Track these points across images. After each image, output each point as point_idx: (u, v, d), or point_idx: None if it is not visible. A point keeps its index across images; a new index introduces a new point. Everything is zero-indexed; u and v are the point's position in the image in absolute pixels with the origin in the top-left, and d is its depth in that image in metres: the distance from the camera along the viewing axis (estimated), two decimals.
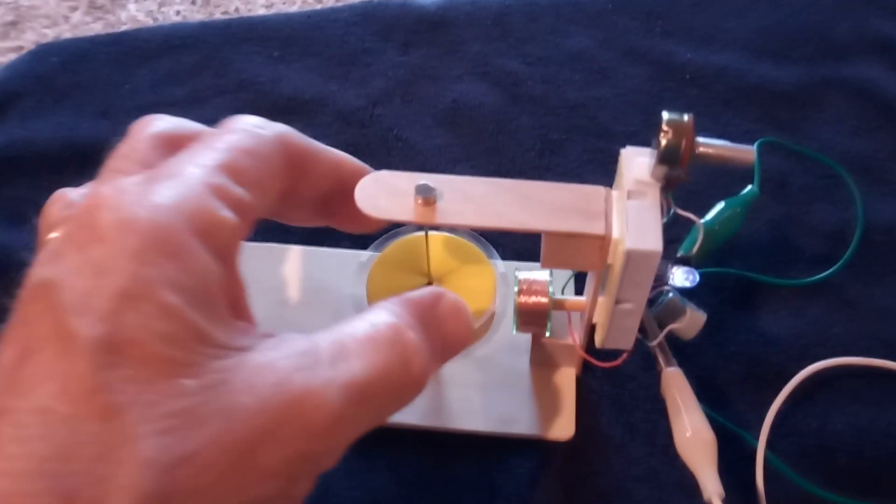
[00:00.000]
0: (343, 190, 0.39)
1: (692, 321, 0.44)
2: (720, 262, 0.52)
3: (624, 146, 0.41)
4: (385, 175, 0.39)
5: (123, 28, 1.52)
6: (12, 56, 1.50)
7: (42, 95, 0.62)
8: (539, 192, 0.39)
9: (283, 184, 0.36)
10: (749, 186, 0.52)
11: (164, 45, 0.65)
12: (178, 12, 1.54)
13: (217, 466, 0.27)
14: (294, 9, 1.53)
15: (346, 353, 0.31)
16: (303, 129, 0.59)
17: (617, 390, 0.48)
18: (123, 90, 0.62)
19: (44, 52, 0.65)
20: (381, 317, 0.33)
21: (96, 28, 1.52)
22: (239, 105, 0.61)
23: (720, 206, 0.51)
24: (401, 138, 0.59)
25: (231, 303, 0.30)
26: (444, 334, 0.35)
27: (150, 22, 1.52)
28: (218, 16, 1.53)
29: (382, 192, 0.39)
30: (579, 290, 0.49)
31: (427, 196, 0.38)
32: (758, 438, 0.45)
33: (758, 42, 0.64)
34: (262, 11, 1.52)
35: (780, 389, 0.47)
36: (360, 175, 0.39)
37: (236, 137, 0.34)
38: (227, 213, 0.31)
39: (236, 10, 1.53)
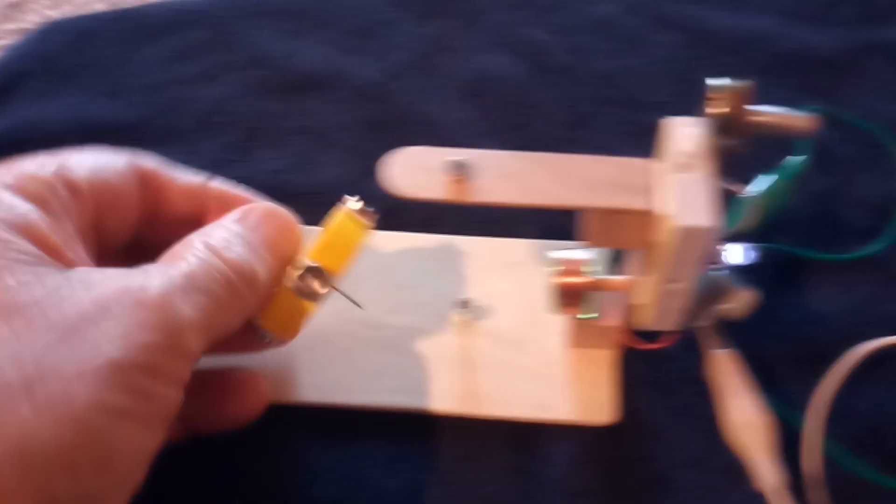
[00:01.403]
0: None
1: (742, 301, 0.42)
2: (761, 237, 0.49)
3: (656, 117, 0.39)
4: (413, 150, 0.37)
5: (129, 5, 1.49)
6: (16, 38, 1.47)
7: (48, 76, 0.60)
8: (578, 166, 0.37)
9: (135, 186, 0.39)
10: (789, 156, 0.49)
11: (173, 22, 0.63)
12: None
13: (44, 343, 0.29)
14: None
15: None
16: (320, 106, 0.58)
17: (658, 373, 0.45)
18: (131, 69, 0.60)
19: (49, 32, 0.63)
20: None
21: (100, 8, 1.49)
22: (251, 82, 0.59)
23: (769, 177, 0.48)
24: (422, 113, 0.57)
25: (56, 242, 0.33)
26: (263, 236, 0.38)
27: None
28: None
29: (411, 169, 0.37)
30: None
31: (461, 173, 0.36)
32: (806, 421, 0.43)
33: (794, 5, 0.62)
34: None
35: (828, 370, 0.45)
36: (228, 200, 0.41)
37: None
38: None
39: None
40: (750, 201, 0.46)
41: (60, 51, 0.61)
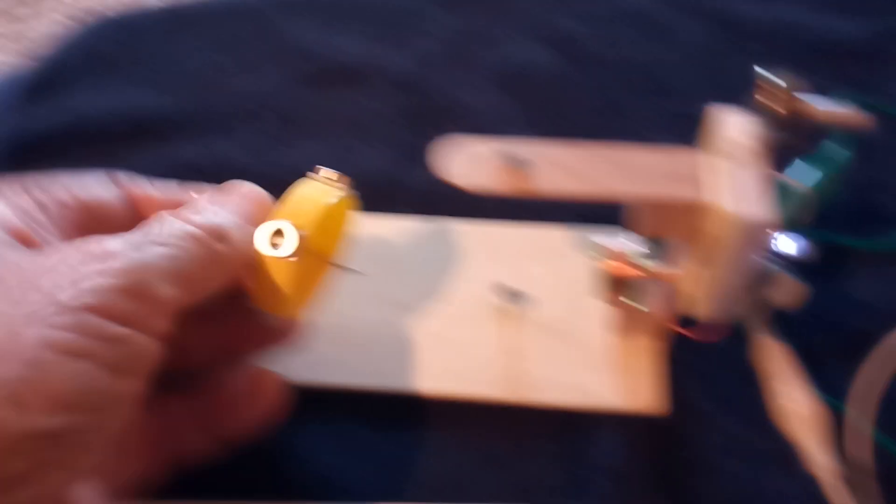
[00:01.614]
0: None
1: (792, 290, 0.42)
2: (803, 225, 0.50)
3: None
4: (466, 141, 0.38)
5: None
6: (39, 27, 1.48)
7: (96, 69, 0.61)
8: (630, 158, 0.37)
9: (121, 200, 0.40)
10: (827, 140, 0.50)
11: (214, 15, 0.64)
12: None
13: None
14: None
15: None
16: (357, 97, 0.58)
17: (703, 360, 0.46)
18: (176, 61, 0.61)
19: (97, 27, 0.65)
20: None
21: None
22: (290, 72, 0.60)
23: (809, 163, 0.48)
24: (457, 102, 0.58)
25: (25, 230, 0.35)
26: (232, 204, 0.39)
27: None
28: None
29: (467, 161, 0.38)
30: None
31: (518, 165, 0.37)
32: (848, 408, 0.44)
33: None
34: None
35: (870, 357, 0.45)
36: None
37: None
38: None
39: None
40: (803, 195, 0.47)
41: (108, 44, 0.63)
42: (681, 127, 0.55)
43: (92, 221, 0.39)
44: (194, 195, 0.41)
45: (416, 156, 0.53)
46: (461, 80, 0.59)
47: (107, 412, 0.32)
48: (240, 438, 0.41)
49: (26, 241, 0.35)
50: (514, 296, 0.48)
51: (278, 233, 0.38)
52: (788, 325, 0.46)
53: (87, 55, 0.62)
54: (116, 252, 0.33)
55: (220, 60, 0.61)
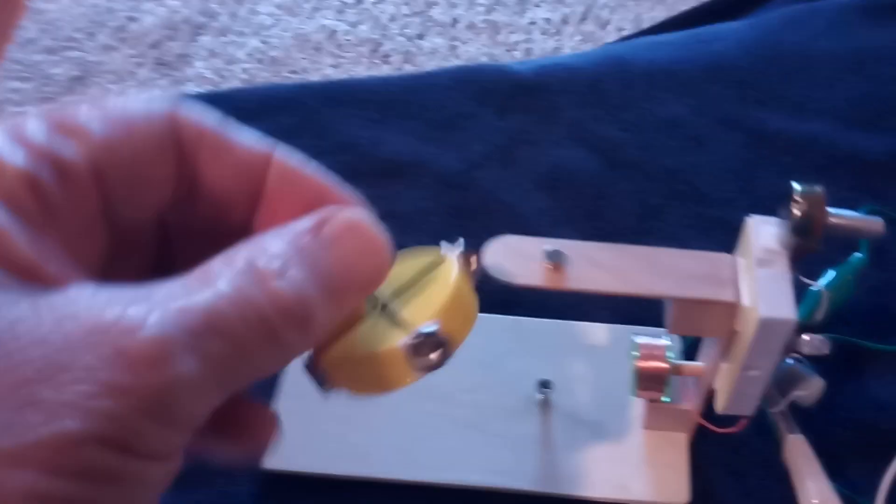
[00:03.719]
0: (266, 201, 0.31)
1: (814, 388, 0.44)
2: (824, 327, 0.52)
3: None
4: (511, 239, 0.41)
5: (189, 84, 1.55)
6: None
7: None
8: (665, 259, 0.40)
9: (170, 152, 0.30)
10: (854, 253, 0.52)
11: (264, 107, 0.66)
12: (244, 70, 1.57)
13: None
14: (363, 70, 1.56)
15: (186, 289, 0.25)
16: (403, 192, 0.61)
17: (729, 454, 0.48)
18: None
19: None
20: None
21: (162, 84, 1.55)
22: (339, 167, 0.61)
23: (831, 273, 0.51)
24: (501, 201, 0.60)
25: (28, 257, 0.25)
26: (337, 258, 0.28)
27: (216, 79, 1.55)
28: (285, 74, 1.56)
29: (509, 256, 0.40)
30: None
31: (556, 261, 0.39)
32: None
33: (847, 112, 0.65)
34: (328, 72, 1.55)
35: (893, 457, 0.47)
36: (294, 181, 0.32)
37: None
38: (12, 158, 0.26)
39: (304, 69, 1.56)
40: (820, 295, 0.49)
41: None
42: (714, 231, 0.58)
43: (121, 185, 0.28)
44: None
45: None
46: (508, 181, 0.62)
47: None
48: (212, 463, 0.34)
49: (31, 273, 0.25)
50: (550, 390, 0.49)
51: (429, 338, 0.31)
52: (811, 423, 0.48)
53: None
54: (154, 356, 0.23)
55: None
